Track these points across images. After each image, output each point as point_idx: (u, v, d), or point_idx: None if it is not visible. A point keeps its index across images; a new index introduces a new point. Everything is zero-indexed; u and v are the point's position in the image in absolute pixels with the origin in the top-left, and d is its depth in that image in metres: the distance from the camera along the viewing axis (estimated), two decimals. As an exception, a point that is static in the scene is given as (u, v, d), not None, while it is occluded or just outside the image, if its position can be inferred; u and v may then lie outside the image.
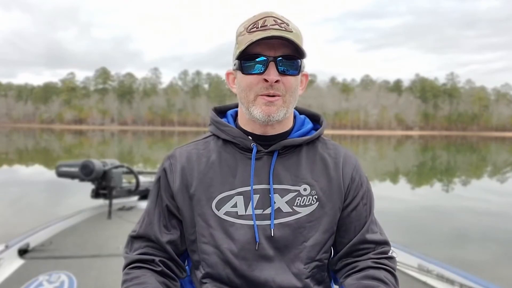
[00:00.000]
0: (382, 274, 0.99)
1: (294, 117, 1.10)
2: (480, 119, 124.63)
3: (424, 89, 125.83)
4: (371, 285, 0.96)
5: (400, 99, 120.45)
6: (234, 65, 1.01)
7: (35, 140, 37.74)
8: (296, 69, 0.98)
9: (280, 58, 0.95)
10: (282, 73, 0.96)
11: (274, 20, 0.95)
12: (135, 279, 0.97)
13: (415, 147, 37.20)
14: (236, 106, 1.12)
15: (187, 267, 1.13)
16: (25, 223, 4.86)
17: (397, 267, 1.06)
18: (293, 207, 1.01)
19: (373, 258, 1.03)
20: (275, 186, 1.01)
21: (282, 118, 1.00)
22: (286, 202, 1.01)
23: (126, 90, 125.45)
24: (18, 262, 2.85)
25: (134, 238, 1.07)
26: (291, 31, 0.95)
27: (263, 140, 1.04)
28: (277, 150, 1.03)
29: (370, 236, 1.05)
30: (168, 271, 1.03)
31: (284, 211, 1.01)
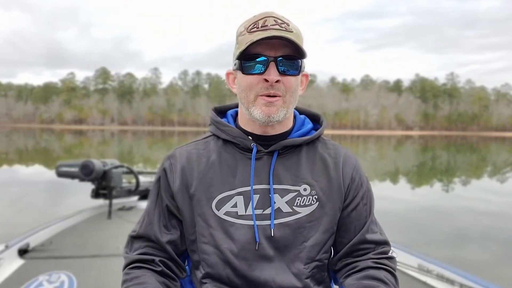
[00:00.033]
0: (382, 274, 0.99)
1: (294, 117, 1.10)
2: (480, 119, 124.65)
3: (424, 89, 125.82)
4: (371, 285, 0.96)
5: (400, 99, 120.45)
6: (235, 65, 1.01)
7: (35, 140, 37.74)
8: (296, 69, 0.98)
9: (281, 58, 0.95)
10: (283, 73, 0.96)
11: (274, 20, 0.95)
12: (135, 279, 0.97)
13: (415, 147, 37.20)
14: (236, 106, 1.12)
15: (187, 267, 1.13)
16: (25, 223, 4.86)
17: (397, 267, 1.05)
18: (293, 207, 1.01)
19: (373, 258, 1.03)
20: (275, 186, 1.01)
21: (282, 118, 1.00)
22: (286, 202, 1.01)
23: (126, 90, 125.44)
24: (18, 262, 2.85)
25: (134, 238, 1.07)
26: (292, 31, 0.95)
27: (263, 140, 1.04)
28: (277, 150, 1.03)
29: (370, 236, 1.05)
30: (168, 271, 1.03)
31: (284, 211, 1.01)
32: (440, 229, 6.21)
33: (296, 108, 1.11)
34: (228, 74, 1.07)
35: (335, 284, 1.15)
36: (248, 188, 1.01)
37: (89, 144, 33.93)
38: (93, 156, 14.92)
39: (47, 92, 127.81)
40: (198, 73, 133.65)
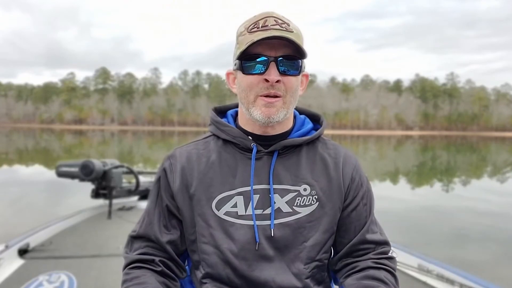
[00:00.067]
0: (382, 274, 0.99)
1: (294, 117, 1.10)
2: (480, 119, 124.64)
3: (424, 89, 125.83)
4: (371, 285, 0.96)
5: (400, 99, 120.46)
6: (235, 65, 1.01)
7: (35, 140, 37.73)
8: (296, 69, 0.98)
9: (281, 58, 0.95)
10: (283, 73, 0.96)
11: (275, 20, 0.95)
12: (135, 279, 0.97)
13: (415, 147, 37.19)
14: (236, 106, 1.12)
15: (187, 267, 1.13)
16: (25, 223, 4.86)
17: (397, 267, 1.06)
18: (293, 207, 1.01)
19: (373, 258, 1.03)
20: (275, 186, 1.01)
21: (282, 119, 1.00)
22: (286, 202, 1.01)
23: (126, 90, 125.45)
24: (18, 262, 2.85)
25: (134, 238, 1.07)
26: (292, 31, 0.95)
27: (263, 140, 1.04)
28: (277, 150, 1.03)
29: (370, 236, 1.05)
30: (168, 271, 1.03)
31: (284, 211, 1.01)
32: (440, 229, 6.21)
33: (296, 108, 1.11)
34: (228, 74, 1.07)
35: (335, 284, 1.15)
36: (248, 188, 1.01)
37: (89, 144, 33.93)
38: (93, 156, 14.90)
39: (47, 92, 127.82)
40: (198, 73, 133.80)
